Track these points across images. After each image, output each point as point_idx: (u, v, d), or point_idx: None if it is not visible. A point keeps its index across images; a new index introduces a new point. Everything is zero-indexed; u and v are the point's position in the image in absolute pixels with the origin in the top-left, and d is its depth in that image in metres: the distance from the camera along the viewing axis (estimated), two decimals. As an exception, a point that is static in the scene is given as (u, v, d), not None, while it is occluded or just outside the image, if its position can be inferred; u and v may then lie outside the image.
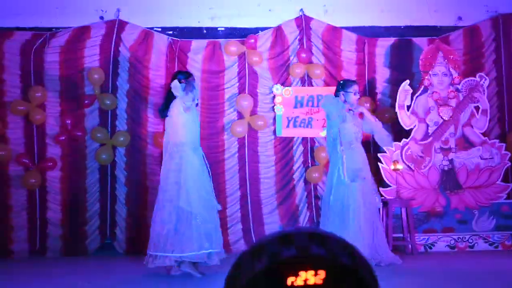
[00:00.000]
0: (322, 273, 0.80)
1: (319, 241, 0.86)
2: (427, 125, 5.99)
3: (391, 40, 6.26)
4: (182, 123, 4.52)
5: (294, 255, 0.81)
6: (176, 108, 4.55)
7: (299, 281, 0.79)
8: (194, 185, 4.44)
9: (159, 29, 6.22)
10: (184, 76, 4.68)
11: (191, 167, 4.46)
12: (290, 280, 0.78)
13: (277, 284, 0.79)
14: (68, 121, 5.93)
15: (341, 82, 5.15)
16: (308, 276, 0.79)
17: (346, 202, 4.74)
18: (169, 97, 4.65)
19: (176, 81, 4.61)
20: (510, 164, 5.96)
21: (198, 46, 6.16)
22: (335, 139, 4.87)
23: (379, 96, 6.19)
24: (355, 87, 5.00)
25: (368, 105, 5.84)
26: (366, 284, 0.86)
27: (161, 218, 4.45)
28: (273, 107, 6.18)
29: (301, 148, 6.21)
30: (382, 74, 6.23)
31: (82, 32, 6.06)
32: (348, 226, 4.67)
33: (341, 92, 4.97)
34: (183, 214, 4.40)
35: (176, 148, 4.50)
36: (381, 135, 5.07)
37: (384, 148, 5.86)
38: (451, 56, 6.00)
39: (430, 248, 5.83)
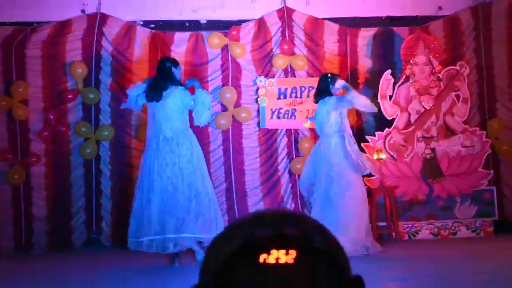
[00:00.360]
0: (293, 253, 0.82)
1: (292, 221, 0.88)
2: (409, 114, 6.05)
3: (373, 31, 6.30)
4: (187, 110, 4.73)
5: (267, 234, 0.84)
6: (178, 98, 4.64)
7: (271, 259, 0.81)
8: (205, 168, 4.78)
9: (141, 23, 6.20)
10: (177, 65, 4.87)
11: (200, 150, 4.79)
12: (262, 258, 0.81)
13: (250, 263, 0.81)
14: (51, 116, 5.90)
15: (330, 76, 5.19)
16: (280, 255, 0.81)
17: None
18: (166, 83, 4.68)
19: (179, 69, 4.82)
20: (490, 151, 6.04)
21: (180, 38, 6.15)
22: (343, 130, 4.99)
23: (361, 87, 6.24)
24: (340, 82, 5.12)
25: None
26: (339, 265, 0.89)
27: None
28: (256, 99, 6.20)
29: (285, 139, 6.24)
30: (364, 65, 6.27)
31: (63, 26, 6.01)
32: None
33: (333, 87, 5.07)
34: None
35: (188, 132, 4.71)
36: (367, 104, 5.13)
37: (367, 138, 5.92)
38: (432, 46, 6.05)
39: (414, 236, 5.90)
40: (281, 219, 0.87)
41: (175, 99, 4.67)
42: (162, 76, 4.75)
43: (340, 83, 5.10)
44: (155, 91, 4.69)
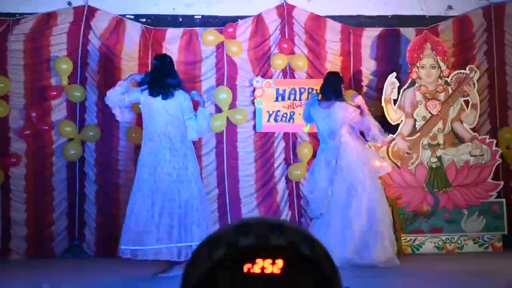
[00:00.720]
0: (280, 262, 0.85)
1: (279, 230, 0.90)
2: (415, 120, 6.07)
3: (378, 30, 6.33)
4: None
5: (253, 244, 0.86)
6: (181, 102, 4.82)
7: (256, 269, 0.83)
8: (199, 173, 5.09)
9: (132, 17, 6.22)
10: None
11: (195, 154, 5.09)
12: (246, 267, 0.83)
13: (234, 273, 0.84)
14: (33, 114, 5.91)
15: (340, 75, 5.52)
16: (266, 264, 0.84)
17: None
18: (175, 80, 4.88)
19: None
20: (501, 161, 6.07)
21: (173, 35, 6.17)
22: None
23: (365, 90, 6.27)
24: (359, 99, 5.45)
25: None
26: (326, 275, 0.91)
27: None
28: (253, 100, 6.22)
29: (282, 144, 6.26)
30: (368, 66, 6.30)
31: (48, 19, 6.03)
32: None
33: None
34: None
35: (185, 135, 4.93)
36: None
37: (370, 144, 5.94)
38: (440, 48, 6.08)
39: (418, 249, 5.92)
40: (266, 227, 0.89)
41: (178, 101, 4.82)
42: (168, 72, 4.88)
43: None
44: (162, 87, 4.79)
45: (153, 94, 4.81)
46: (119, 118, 5.11)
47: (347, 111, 5.22)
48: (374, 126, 5.28)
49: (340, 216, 5.07)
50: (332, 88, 5.32)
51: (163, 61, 4.95)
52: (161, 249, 4.66)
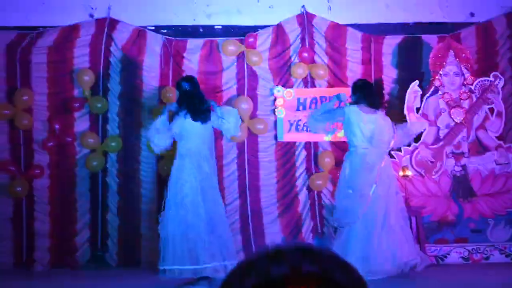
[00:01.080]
0: (314, 291, 0.81)
1: (312, 257, 0.86)
2: (438, 128, 5.99)
3: (399, 38, 6.27)
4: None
5: (285, 272, 0.82)
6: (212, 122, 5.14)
7: (290, 299, 0.80)
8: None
9: (153, 28, 6.24)
10: None
11: None
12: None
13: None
14: (57, 126, 5.95)
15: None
16: (299, 293, 0.80)
17: None
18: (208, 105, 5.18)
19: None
20: (527, 169, 5.96)
21: (194, 45, 6.18)
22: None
23: (386, 98, 6.20)
24: None
25: None
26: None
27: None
28: (274, 110, 6.19)
29: (304, 153, 6.21)
30: (389, 74, 6.24)
31: (70, 31, 6.08)
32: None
33: None
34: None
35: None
36: None
37: (393, 153, 5.87)
38: (463, 55, 6.00)
39: (442, 260, 5.82)
40: (299, 254, 0.85)
41: (211, 122, 5.12)
42: (202, 97, 5.20)
43: None
44: (202, 113, 5.09)
45: (196, 119, 5.06)
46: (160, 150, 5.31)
47: (390, 125, 5.33)
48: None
49: (381, 225, 5.04)
50: (378, 97, 5.49)
51: (195, 85, 5.20)
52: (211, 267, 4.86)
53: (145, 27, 6.20)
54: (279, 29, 6.24)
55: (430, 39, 6.23)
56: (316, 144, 6.22)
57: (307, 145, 6.22)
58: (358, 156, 5.24)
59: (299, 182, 6.18)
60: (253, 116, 6.16)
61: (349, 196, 5.18)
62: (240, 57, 6.18)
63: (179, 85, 5.23)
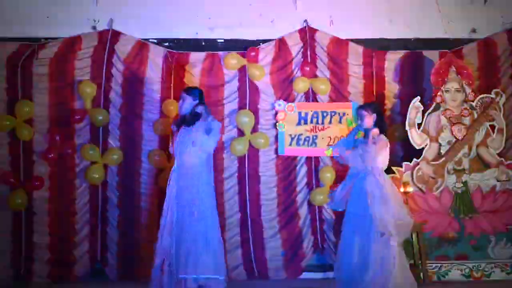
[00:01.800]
0: None
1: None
2: (439, 145, 5.95)
3: (401, 53, 6.24)
4: None
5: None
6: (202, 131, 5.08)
7: None
8: None
9: (155, 41, 6.20)
10: None
11: None
12: None
13: None
14: (57, 138, 5.89)
15: None
16: None
17: None
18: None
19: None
20: (528, 186, 5.91)
21: (196, 58, 6.14)
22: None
23: (388, 113, 6.15)
24: None
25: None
26: None
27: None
28: (275, 124, 6.14)
29: (305, 168, 6.16)
30: (391, 90, 6.20)
31: (73, 43, 6.04)
32: None
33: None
34: None
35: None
36: None
37: (394, 169, 5.81)
38: (465, 71, 5.98)
39: (444, 277, 5.76)
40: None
41: (200, 132, 5.06)
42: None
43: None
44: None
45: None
46: None
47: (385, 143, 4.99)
48: None
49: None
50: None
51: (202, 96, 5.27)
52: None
53: (148, 39, 6.16)
54: (281, 43, 6.20)
55: (432, 54, 6.21)
56: (317, 159, 6.17)
57: (308, 160, 6.17)
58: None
59: (300, 197, 6.13)
60: (254, 130, 6.12)
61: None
62: (242, 70, 6.14)
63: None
